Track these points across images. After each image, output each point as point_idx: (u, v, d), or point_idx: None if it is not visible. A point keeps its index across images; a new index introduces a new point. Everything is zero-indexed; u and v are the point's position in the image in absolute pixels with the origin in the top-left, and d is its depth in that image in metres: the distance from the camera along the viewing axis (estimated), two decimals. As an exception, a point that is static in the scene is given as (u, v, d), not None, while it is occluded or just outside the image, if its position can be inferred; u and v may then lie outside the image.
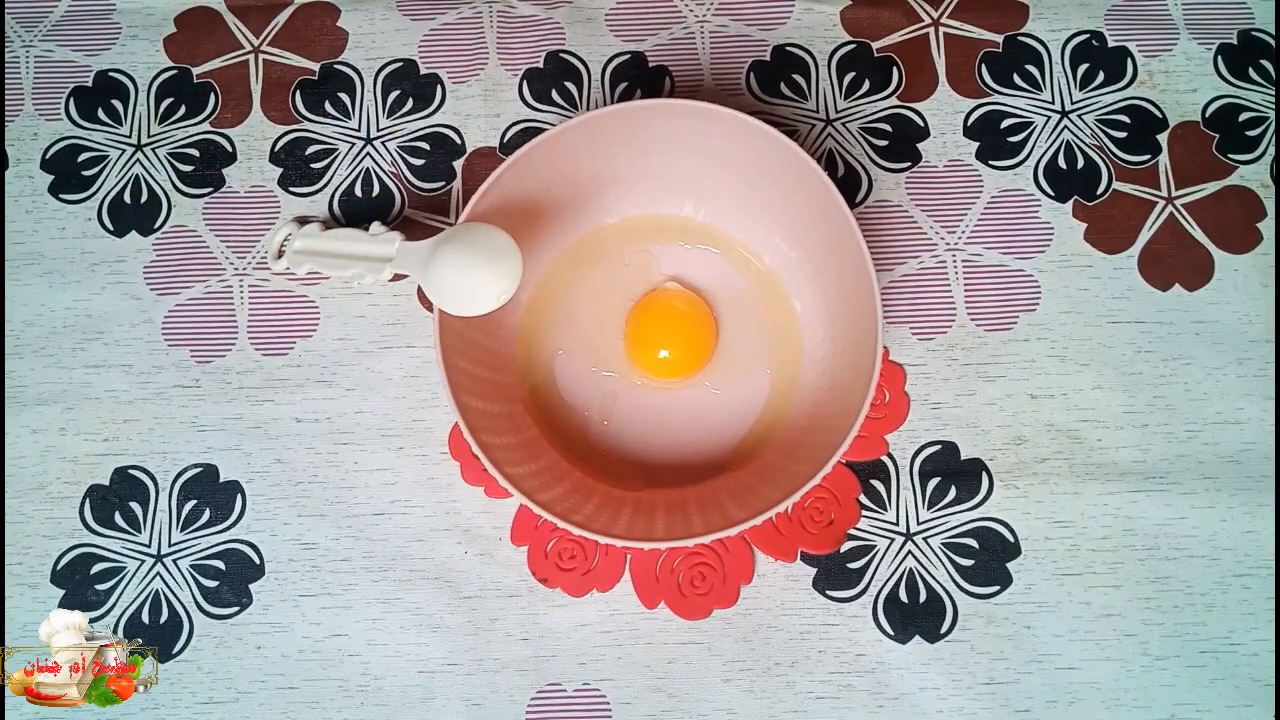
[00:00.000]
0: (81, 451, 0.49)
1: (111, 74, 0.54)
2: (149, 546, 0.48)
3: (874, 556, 0.47)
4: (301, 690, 0.46)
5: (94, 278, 0.51)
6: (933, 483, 0.48)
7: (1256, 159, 0.51)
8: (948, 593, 0.46)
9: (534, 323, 0.49)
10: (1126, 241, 0.50)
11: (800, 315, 0.49)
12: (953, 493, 0.47)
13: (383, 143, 0.52)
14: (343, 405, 0.49)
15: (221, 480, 0.48)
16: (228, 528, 0.48)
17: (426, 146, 0.52)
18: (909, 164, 0.52)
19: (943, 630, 0.46)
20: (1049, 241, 0.50)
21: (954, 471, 0.48)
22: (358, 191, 0.52)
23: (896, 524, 0.47)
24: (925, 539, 0.47)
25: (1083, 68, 0.53)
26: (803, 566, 0.47)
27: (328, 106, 0.53)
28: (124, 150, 0.52)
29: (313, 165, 0.52)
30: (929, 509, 0.47)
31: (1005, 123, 0.52)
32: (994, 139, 0.52)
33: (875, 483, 0.48)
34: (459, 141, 0.52)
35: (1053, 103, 0.52)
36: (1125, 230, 0.51)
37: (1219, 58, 0.53)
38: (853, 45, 0.53)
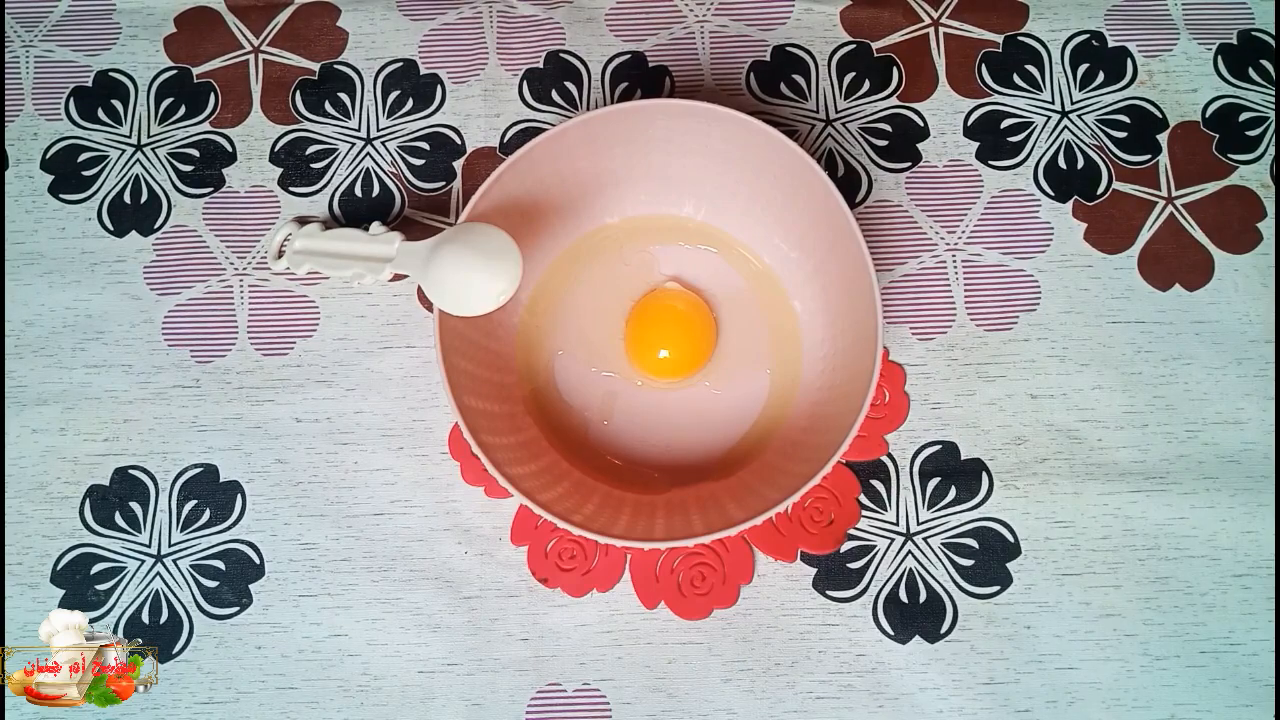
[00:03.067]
0: (81, 451, 0.49)
1: (111, 74, 0.54)
2: (149, 546, 0.48)
3: (874, 556, 0.47)
4: (301, 690, 0.46)
5: (94, 278, 0.51)
6: (933, 483, 0.48)
7: (1256, 159, 0.51)
8: (948, 593, 0.46)
9: (534, 323, 0.49)
10: (1126, 241, 0.50)
11: (800, 315, 0.49)
12: (953, 493, 0.47)
13: (383, 143, 0.52)
14: (343, 405, 0.49)
15: (221, 480, 0.48)
16: (228, 528, 0.48)
17: (426, 146, 0.52)
18: (909, 164, 0.52)
19: (943, 630, 0.46)
20: (1049, 241, 0.50)
21: (954, 471, 0.48)
22: (358, 191, 0.52)
23: (896, 524, 0.47)
24: (925, 539, 0.47)
25: (1083, 68, 0.53)
26: (803, 566, 0.47)
27: (328, 106, 0.53)
28: (124, 150, 0.52)
29: (313, 165, 0.52)
30: (929, 509, 0.47)
31: (1005, 123, 0.52)
32: (994, 139, 0.52)
33: (875, 483, 0.48)
34: (459, 141, 0.52)
35: (1053, 103, 0.52)
36: (1125, 230, 0.51)
37: (1219, 58, 0.53)
38: (853, 45, 0.53)
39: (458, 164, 0.52)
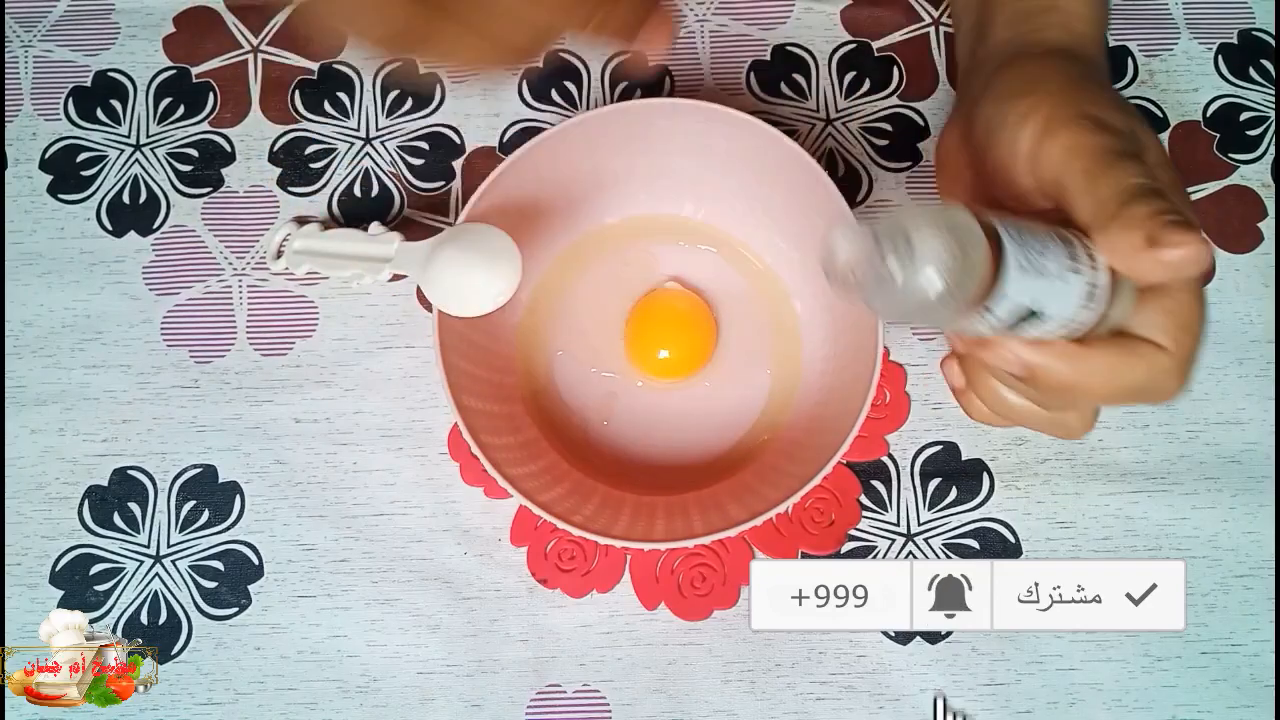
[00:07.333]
0: (80, 452, 0.48)
1: (110, 74, 0.54)
2: (148, 547, 0.47)
3: (875, 557, 0.47)
4: (300, 691, 0.46)
5: (93, 278, 0.51)
6: (934, 483, 0.47)
7: (1257, 159, 0.51)
8: (948, 593, 0.46)
9: (534, 323, 0.49)
10: (1127, 241, 0.50)
11: (800, 315, 0.49)
12: (954, 493, 0.47)
13: (382, 142, 0.52)
14: (342, 405, 0.49)
15: (220, 481, 0.48)
16: (227, 528, 0.47)
17: (426, 146, 0.52)
18: (910, 163, 0.51)
19: (943, 631, 0.46)
20: (1050, 241, 0.50)
21: (955, 472, 0.48)
22: (357, 191, 0.52)
23: (897, 524, 0.47)
24: (926, 539, 0.47)
25: (1083, 67, 0.53)
26: (803, 567, 0.47)
27: (327, 106, 0.53)
28: (123, 150, 0.52)
29: (312, 165, 0.52)
30: (930, 509, 0.47)
31: (1006, 122, 0.52)
32: (995, 139, 0.52)
33: (876, 483, 0.48)
34: (458, 141, 0.52)
35: (1053, 102, 0.52)
36: (1126, 230, 0.50)
37: (1219, 57, 0.53)
38: (853, 45, 0.53)
39: (457, 164, 0.52)
